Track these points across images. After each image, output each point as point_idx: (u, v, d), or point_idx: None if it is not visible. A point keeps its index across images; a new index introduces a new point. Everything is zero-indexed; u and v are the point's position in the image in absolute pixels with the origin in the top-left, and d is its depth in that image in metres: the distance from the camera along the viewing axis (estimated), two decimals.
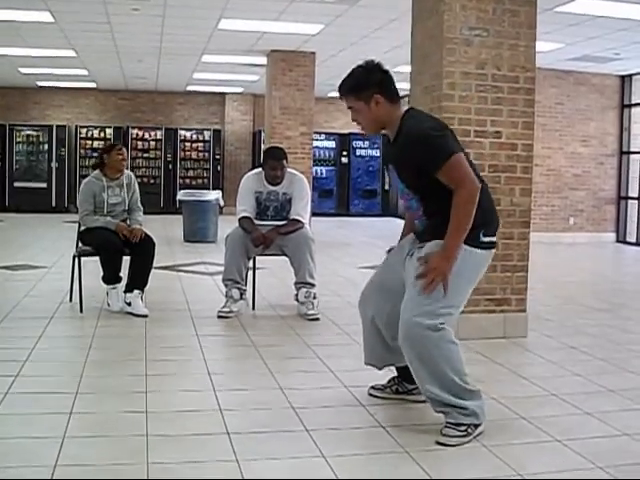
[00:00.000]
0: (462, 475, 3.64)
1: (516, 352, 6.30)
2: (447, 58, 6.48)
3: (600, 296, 9.30)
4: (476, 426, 4.22)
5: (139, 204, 7.84)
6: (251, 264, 7.69)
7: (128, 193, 7.75)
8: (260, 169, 7.81)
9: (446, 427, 4.19)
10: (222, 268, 7.62)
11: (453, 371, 4.23)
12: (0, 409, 4.50)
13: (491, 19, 6.52)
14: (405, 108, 4.57)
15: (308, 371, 5.53)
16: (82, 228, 7.68)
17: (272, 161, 7.65)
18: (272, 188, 7.64)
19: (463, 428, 4.18)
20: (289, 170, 7.76)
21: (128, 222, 7.67)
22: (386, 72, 4.57)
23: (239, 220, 7.53)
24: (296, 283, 7.48)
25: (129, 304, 7.36)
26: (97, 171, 7.72)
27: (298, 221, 7.51)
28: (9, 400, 4.69)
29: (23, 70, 18.33)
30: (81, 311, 7.42)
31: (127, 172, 7.90)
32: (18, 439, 4.05)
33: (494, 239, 4.43)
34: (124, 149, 7.84)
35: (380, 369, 4.93)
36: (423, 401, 4.55)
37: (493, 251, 4.45)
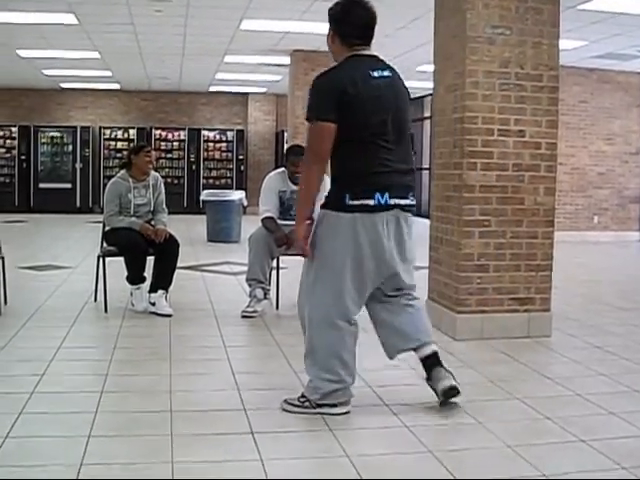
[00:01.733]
0: (486, 475, 3.63)
1: (540, 352, 6.27)
2: (470, 57, 6.46)
3: (625, 295, 9.24)
4: (318, 405, 4.49)
5: (164, 206, 7.86)
6: (274, 264, 7.69)
7: (154, 194, 7.77)
8: (283, 168, 7.82)
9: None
10: (246, 268, 7.63)
11: (322, 351, 4.50)
12: (26, 408, 4.53)
13: (514, 17, 6.50)
14: (360, 53, 4.56)
15: None
16: (107, 228, 7.71)
17: (293, 157, 7.64)
18: (295, 187, 7.62)
19: (303, 399, 4.54)
20: None
21: (152, 223, 7.69)
22: (357, 15, 4.58)
23: (262, 220, 7.54)
24: None
25: (153, 304, 7.38)
26: (123, 171, 7.74)
27: None
28: (35, 399, 4.71)
29: (47, 72, 18.42)
30: (106, 311, 7.45)
31: (153, 173, 7.92)
32: (44, 438, 4.08)
33: (369, 201, 4.38)
34: (152, 152, 7.89)
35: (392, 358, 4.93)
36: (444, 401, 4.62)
37: (381, 214, 4.42)
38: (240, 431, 4.20)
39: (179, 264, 7.63)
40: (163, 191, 7.92)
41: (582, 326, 7.22)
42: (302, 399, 4.57)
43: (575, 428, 4.29)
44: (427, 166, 21.09)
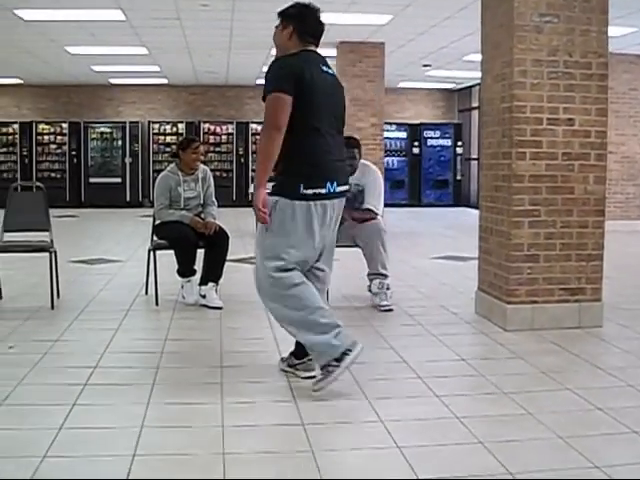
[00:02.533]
0: (538, 466, 3.61)
1: (591, 342, 6.22)
2: (518, 46, 6.41)
3: None
4: (337, 360, 4.63)
5: (213, 199, 7.91)
6: None
7: (203, 187, 7.82)
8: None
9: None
10: None
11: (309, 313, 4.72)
12: (80, 400, 4.58)
13: (562, 5, 6.44)
14: (312, 49, 4.96)
15: (382, 362, 5.52)
16: (157, 222, 7.77)
17: (347, 149, 7.64)
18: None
19: (325, 368, 4.68)
20: (362, 161, 7.74)
21: (202, 216, 7.74)
22: (314, 17, 4.99)
23: None
24: (369, 274, 7.48)
25: (204, 297, 7.43)
26: (173, 165, 7.80)
27: (371, 211, 7.50)
28: (88, 391, 4.77)
29: (96, 68, 18.59)
30: (157, 304, 7.51)
31: (202, 166, 7.97)
32: (97, 429, 4.13)
33: (321, 190, 4.74)
34: (201, 148, 7.92)
35: None
36: (312, 377, 4.87)
37: (330, 201, 4.81)
38: (291, 422, 4.22)
39: (229, 257, 7.67)
40: (212, 184, 7.97)
41: (634, 316, 7.14)
42: (324, 370, 4.71)
43: (628, 419, 4.25)
44: (476, 156, 21.01)
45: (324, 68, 4.90)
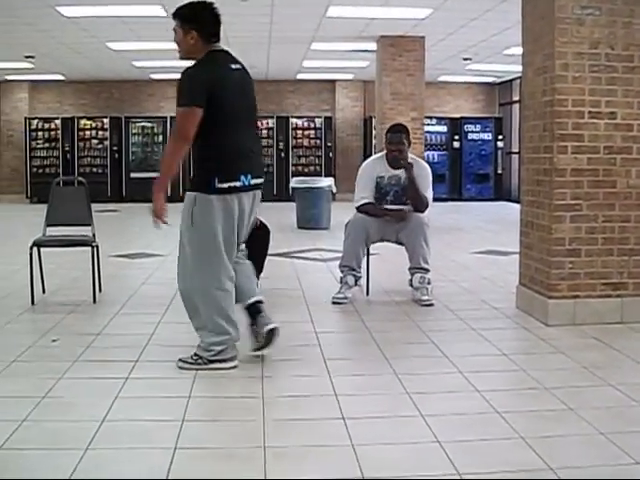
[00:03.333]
0: (578, 462, 3.58)
1: (634, 338, 6.17)
2: (559, 39, 6.36)
3: None
4: (210, 361, 5.08)
5: None
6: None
7: None
8: (381, 153, 7.79)
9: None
10: (335, 254, 7.67)
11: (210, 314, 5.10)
12: (122, 393, 4.62)
13: None
14: (218, 48, 5.14)
15: (423, 357, 5.52)
16: None
17: (392, 135, 7.62)
18: (394, 172, 7.57)
19: (196, 357, 5.15)
20: (411, 156, 7.70)
21: None
22: (213, 15, 5.12)
23: (359, 208, 7.52)
24: (410, 268, 7.45)
25: None
26: None
27: (425, 197, 7.51)
28: (130, 384, 4.81)
29: (137, 64, 18.69)
30: None
31: None
32: (140, 422, 4.17)
33: (236, 183, 5.02)
34: None
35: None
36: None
37: (246, 193, 5.13)
38: (331, 416, 4.23)
39: (270, 251, 7.68)
40: None
41: None
42: (195, 357, 5.14)
43: None
44: (517, 150, 20.90)
45: (232, 66, 5.13)
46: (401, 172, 7.55)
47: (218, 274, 5.11)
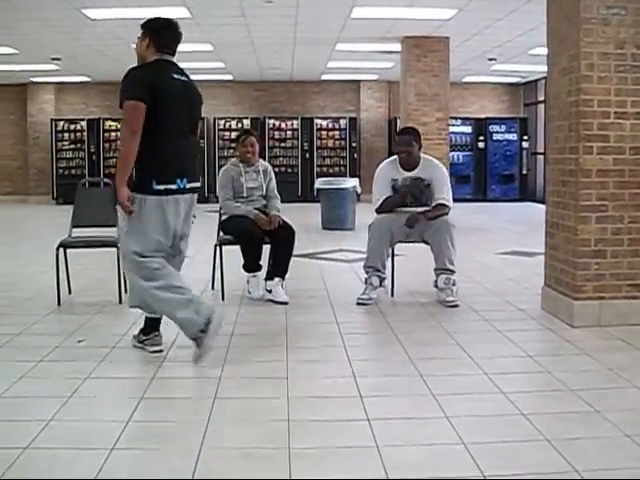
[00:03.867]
0: (604, 465, 3.57)
1: None
2: (584, 39, 6.33)
3: None
4: (203, 330, 5.22)
5: (276, 192, 7.97)
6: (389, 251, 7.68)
7: (265, 179, 7.88)
8: (394, 157, 7.79)
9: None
10: (360, 255, 7.67)
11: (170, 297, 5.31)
12: (147, 393, 4.64)
13: None
14: (166, 58, 5.54)
15: (448, 358, 5.52)
16: (223, 218, 7.83)
17: (400, 137, 7.67)
18: (408, 174, 7.59)
19: (195, 342, 5.27)
20: (425, 156, 7.70)
21: (266, 210, 7.79)
22: (172, 32, 5.64)
23: (380, 206, 7.53)
24: (436, 269, 7.44)
25: (270, 291, 7.47)
26: (235, 159, 7.94)
27: (444, 205, 7.46)
28: (156, 385, 4.84)
29: None
30: (223, 299, 7.57)
31: (263, 162, 8.04)
32: (165, 422, 4.20)
33: (172, 186, 5.34)
34: (251, 140, 7.93)
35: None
36: (159, 351, 5.56)
37: (182, 196, 5.45)
38: (356, 417, 4.24)
39: (295, 252, 7.69)
40: (274, 178, 8.07)
41: None
42: (196, 342, 5.30)
43: None
44: (542, 151, 20.83)
45: (175, 76, 5.47)
46: (414, 173, 7.55)
47: (148, 266, 5.37)
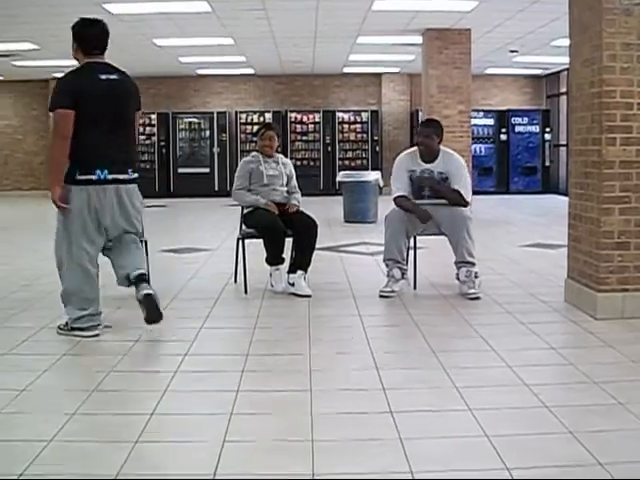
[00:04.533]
0: (628, 457, 3.55)
1: None
2: (607, 29, 6.29)
3: None
4: (72, 329, 5.87)
5: (297, 187, 8.01)
6: (412, 243, 7.68)
7: (285, 169, 7.91)
8: (414, 148, 7.78)
9: None
10: (382, 248, 7.65)
11: (70, 289, 5.90)
12: (171, 386, 4.66)
13: None
14: (94, 60, 5.93)
15: (471, 350, 5.51)
16: (245, 211, 7.84)
17: (421, 127, 7.69)
18: (426, 166, 7.58)
19: (64, 325, 5.95)
20: (444, 149, 7.69)
21: (287, 203, 7.82)
22: (95, 32, 5.98)
23: (395, 199, 7.53)
24: (456, 262, 7.43)
25: (292, 284, 7.48)
26: (255, 152, 8.05)
27: (458, 191, 7.46)
28: (179, 378, 4.86)
29: (183, 59, 18.79)
30: (245, 292, 7.59)
31: (283, 159, 8.08)
32: (188, 415, 4.21)
33: (91, 177, 5.77)
34: (270, 134, 8.01)
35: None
36: (96, 335, 5.91)
37: (102, 186, 5.82)
38: (379, 410, 4.24)
39: (317, 245, 7.70)
40: (294, 173, 8.15)
41: None
42: (64, 324, 5.94)
43: None
44: (564, 142, 20.74)
45: (102, 76, 5.85)
46: (433, 166, 7.54)
47: (74, 253, 5.86)
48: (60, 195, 5.76)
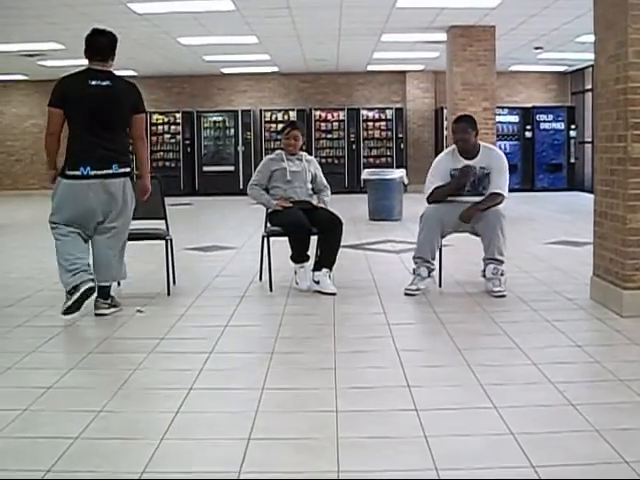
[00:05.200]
0: None
1: None
2: (632, 25, 6.25)
3: None
4: (69, 292, 6.33)
5: (325, 183, 8.04)
6: None
7: (309, 166, 7.91)
8: (452, 147, 7.71)
9: None
10: (408, 246, 7.68)
11: (60, 258, 6.49)
12: (196, 384, 4.68)
13: None
14: (93, 67, 6.57)
15: (496, 348, 5.50)
16: (269, 210, 7.85)
17: (455, 125, 7.59)
18: (468, 163, 7.52)
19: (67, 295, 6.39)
20: (484, 144, 7.65)
21: (315, 202, 7.84)
22: (94, 40, 6.58)
23: (430, 195, 7.49)
24: (485, 259, 7.40)
25: (317, 282, 7.48)
26: (279, 150, 8.07)
27: (499, 194, 7.38)
28: (204, 376, 4.87)
29: (207, 58, 18.84)
30: (270, 290, 7.61)
31: (307, 157, 8.05)
32: (214, 413, 4.22)
33: (77, 172, 6.45)
34: (294, 133, 7.98)
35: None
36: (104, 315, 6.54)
37: (88, 181, 6.45)
38: (404, 408, 4.23)
39: (342, 243, 7.70)
40: (320, 170, 8.16)
41: None
42: (67, 294, 6.37)
43: None
44: (590, 139, 20.64)
45: (93, 82, 6.47)
46: (475, 162, 7.48)
47: (61, 231, 6.55)
48: (51, 181, 6.65)
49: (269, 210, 7.88)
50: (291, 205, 7.66)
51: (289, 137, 7.93)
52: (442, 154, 7.82)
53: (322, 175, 8.09)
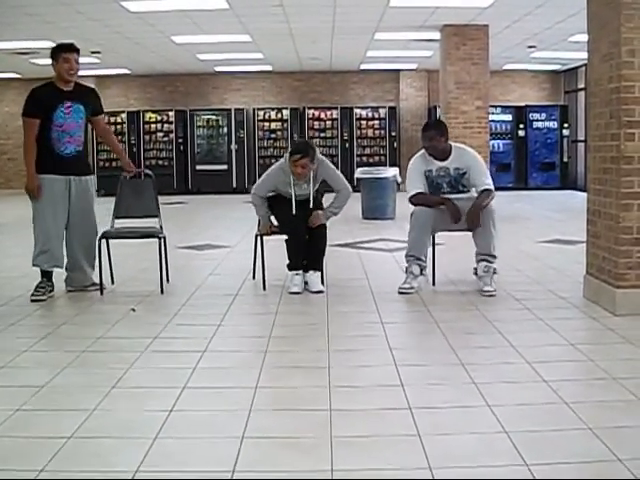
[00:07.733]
0: None
1: None
2: (625, 24, 6.26)
3: None
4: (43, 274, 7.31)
5: (340, 186, 8.01)
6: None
7: (314, 185, 7.78)
8: (422, 150, 7.74)
9: None
10: (401, 244, 7.66)
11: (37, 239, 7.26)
12: (189, 383, 4.68)
13: None
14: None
15: (489, 347, 5.50)
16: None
17: (423, 134, 7.62)
18: (441, 164, 7.53)
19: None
20: (455, 145, 7.68)
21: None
22: (58, 52, 7.32)
23: (413, 197, 7.48)
24: (477, 254, 7.40)
25: (306, 283, 7.50)
26: (288, 165, 7.59)
27: (490, 190, 7.40)
28: (198, 374, 4.87)
29: (201, 57, 18.84)
30: (264, 288, 7.61)
31: (311, 173, 7.69)
32: (207, 411, 4.22)
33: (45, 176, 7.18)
34: (303, 162, 7.47)
35: None
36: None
37: (57, 178, 7.17)
38: (398, 406, 4.24)
39: (335, 241, 7.72)
40: (331, 170, 7.99)
41: None
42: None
43: None
44: (583, 138, 20.67)
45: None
46: (447, 163, 7.51)
47: (40, 221, 7.24)
48: (29, 184, 7.18)
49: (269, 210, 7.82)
50: (276, 231, 7.70)
51: (297, 165, 7.48)
52: (415, 157, 7.80)
53: (337, 176, 7.99)
